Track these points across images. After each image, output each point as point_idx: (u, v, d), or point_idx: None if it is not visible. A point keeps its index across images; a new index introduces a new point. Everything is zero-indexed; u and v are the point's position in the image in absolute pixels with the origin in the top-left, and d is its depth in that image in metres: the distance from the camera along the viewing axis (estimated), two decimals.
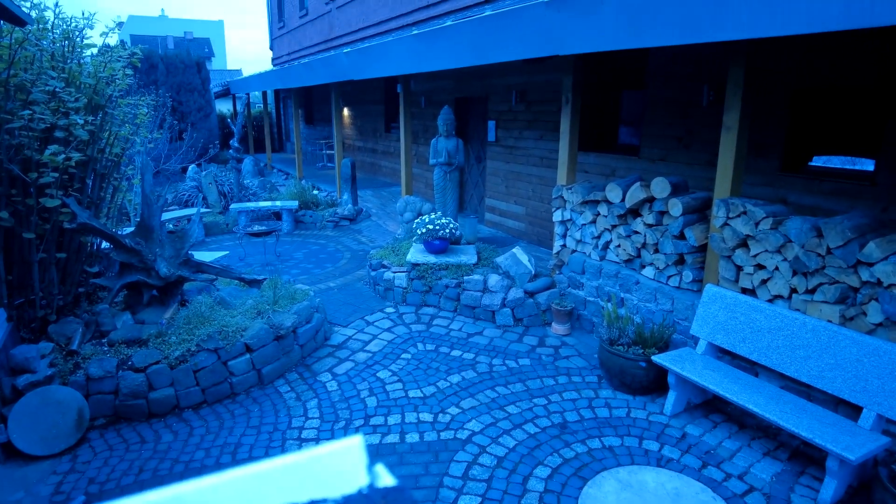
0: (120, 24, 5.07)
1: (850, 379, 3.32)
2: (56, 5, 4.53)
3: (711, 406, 4.19)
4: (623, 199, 4.92)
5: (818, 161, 4.90)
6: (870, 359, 3.25)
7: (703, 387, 3.78)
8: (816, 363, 3.49)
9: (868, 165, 4.51)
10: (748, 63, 3.91)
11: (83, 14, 4.68)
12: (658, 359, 4.09)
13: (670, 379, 4.05)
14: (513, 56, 4.85)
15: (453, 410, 4.22)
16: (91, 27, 4.74)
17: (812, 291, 3.68)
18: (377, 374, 4.77)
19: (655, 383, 4.32)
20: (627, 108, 6.82)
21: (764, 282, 3.97)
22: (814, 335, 3.54)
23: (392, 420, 4.12)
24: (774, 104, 4.88)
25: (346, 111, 15.95)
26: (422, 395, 4.43)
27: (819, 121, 4.85)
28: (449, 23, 5.94)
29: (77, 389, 3.94)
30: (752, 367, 4.03)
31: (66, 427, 3.80)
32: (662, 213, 4.67)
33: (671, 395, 4.09)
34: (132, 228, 5.26)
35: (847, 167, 4.70)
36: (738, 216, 4.01)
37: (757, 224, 3.90)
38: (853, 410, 3.44)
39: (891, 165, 4.24)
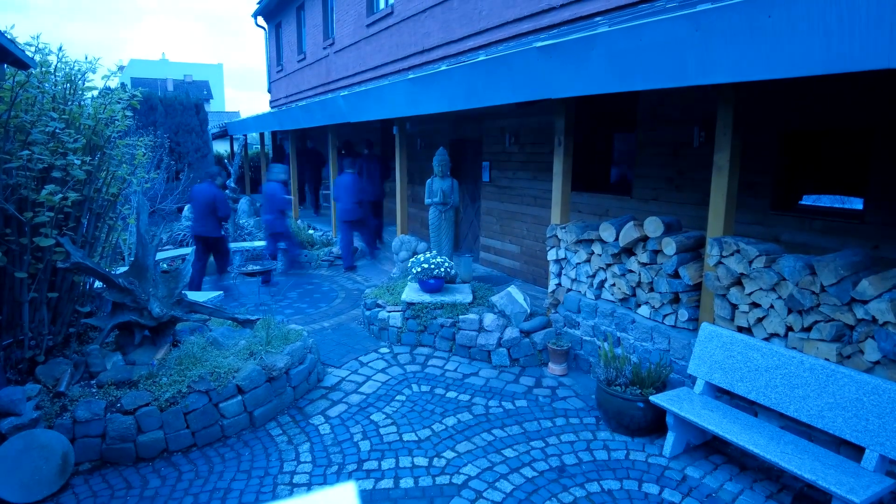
0: (121, 68, 5.20)
1: (850, 418, 3.28)
2: (60, 49, 4.64)
3: (711, 447, 4.11)
4: (617, 239, 4.96)
5: (808, 199, 4.97)
6: (869, 397, 3.22)
7: (702, 427, 3.73)
8: (816, 402, 3.46)
9: (857, 204, 4.58)
10: (737, 105, 4.01)
11: (86, 58, 4.78)
12: (656, 399, 4.04)
13: (669, 420, 3.99)
14: (506, 99, 4.96)
15: (449, 454, 4.12)
16: (94, 71, 4.84)
17: (808, 329, 3.68)
18: (371, 417, 4.68)
19: (654, 424, 4.25)
20: (619, 148, 6.95)
21: (759, 320, 3.97)
22: (812, 374, 3.51)
23: (386, 464, 4.02)
24: (764, 144, 4.99)
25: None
26: (416, 439, 4.34)
27: (808, 160, 4.95)
28: (443, 67, 6.09)
29: (63, 433, 3.84)
30: (750, 407, 3.99)
31: (50, 473, 3.68)
32: (656, 252, 4.70)
33: (670, 437, 4.02)
34: (126, 268, 5.23)
35: (836, 206, 4.77)
36: (732, 255, 4.04)
37: (750, 262, 3.92)
38: (856, 451, 3.39)
39: (879, 204, 4.31)
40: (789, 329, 3.79)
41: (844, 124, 4.54)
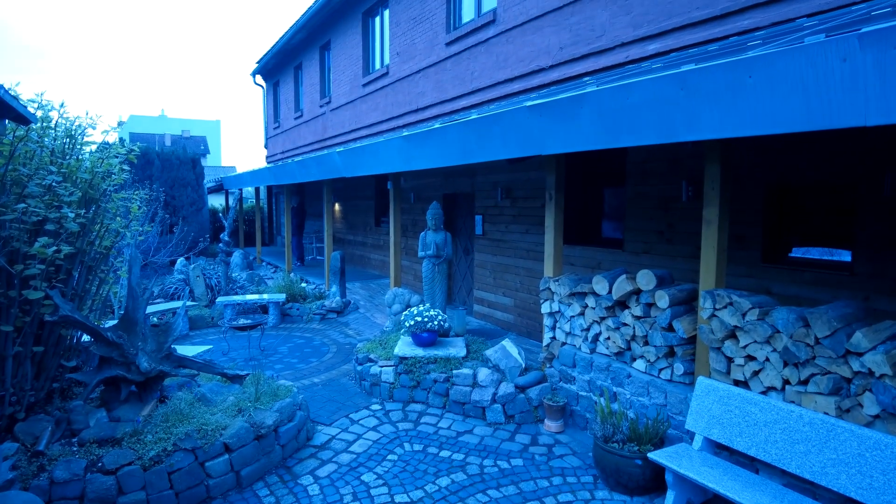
0: (121, 124, 5.29)
1: (853, 475, 3.20)
2: (62, 105, 4.74)
3: None
4: (610, 291, 4.97)
5: (797, 252, 5.04)
6: (872, 453, 3.16)
7: (702, 485, 3.62)
8: (818, 458, 3.38)
9: (845, 256, 4.64)
10: (724, 160, 4.12)
11: (87, 114, 4.88)
12: (654, 456, 3.94)
13: (668, 477, 3.88)
14: (497, 156, 5.08)
15: None
16: (94, 127, 4.93)
17: (805, 382, 3.64)
18: (361, 477, 4.52)
19: (653, 482, 4.14)
20: (609, 202, 7.08)
21: (756, 373, 3.93)
22: (811, 428, 3.46)
23: None
24: (752, 198, 5.10)
25: (337, 206, 16.34)
26: (409, 500, 4.18)
27: (796, 213, 5.05)
28: (437, 125, 6.26)
29: (39, 494, 3.67)
30: (751, 463, 3.89)
31: None
32: (650, 305, 4.70)
33: (670, 495, 3.90)
34: (115, 321, 5.16)
35: (826, 258, 4.83)
36: (725, 307, 4.04)
37: (744, 315, 3.93)
38: None
39: (867, 256, 4.37)
40: (786, 382, 3.75)
41: (830, 178, 4.66)
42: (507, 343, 5.95)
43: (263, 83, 21.37)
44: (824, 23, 3.42)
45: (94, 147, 5.20)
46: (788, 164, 4.86)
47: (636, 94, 3.53)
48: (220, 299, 9.80)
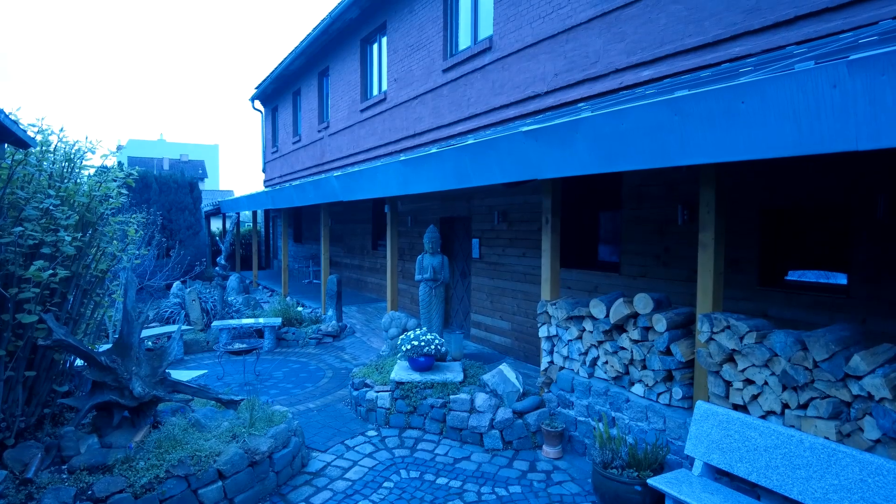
0: (120, 148, 5.33)
1: (856, 501, 3.16)
2: (61, 130, 4.77)
3: None
4: (607, 315, 4.96)
5: (794, 275, 5.05)
6: (874, 479, 3.12)
7: None
8: (819, 484, 3.34)
9: (841, 279, 4.65)
10: (719, 184, 4.15)
11: (86, 138, 4.91)
12: (654, 482, 3.89)
13: None
14: (493, 180, 5.12)
15: None
16: (93, 151, 4.95)
17: (804, 406, 3.62)
18: None
19: None
20: (605, 226, 7.11)
21: (755, 397, 3.91)
22: (812, 453, 3.42)
23: None
24: (747, 221, 5.13)
25: (334, 229, 16.36)
26: None
27: (791, 237, 5.08)
28: (434, 150, 6.31)
29: None
30: (752, 490, 3.84)
31: None
32: (647, 329, 4.69)
33: None
34: (109, 345, 5.11)
35: (822, 280, 4.84)
36: (723, 331, 4.03)
37: (741, 338, 3.92)
38: None
39: (863, 278, 4.38)
40: (785, 406, 3.73)
41: (824, 201, 4.70)
42: (505, 367, 5.91)
43: (262, 108, 21.59)
44: (813, 50, 3.49)
45: (92, 171, 5.22)
46: (783, 187, 4.90)
47: (630, 119, 3.57)
48: (215, 323, 9.73)
